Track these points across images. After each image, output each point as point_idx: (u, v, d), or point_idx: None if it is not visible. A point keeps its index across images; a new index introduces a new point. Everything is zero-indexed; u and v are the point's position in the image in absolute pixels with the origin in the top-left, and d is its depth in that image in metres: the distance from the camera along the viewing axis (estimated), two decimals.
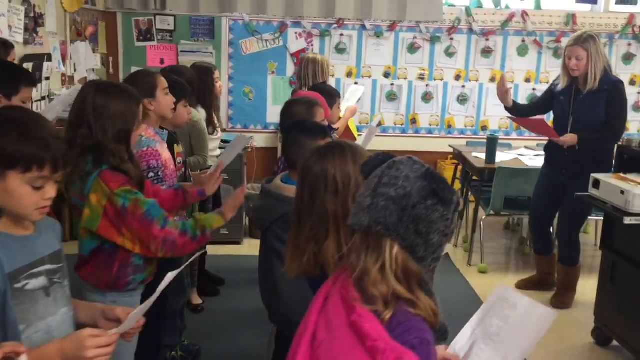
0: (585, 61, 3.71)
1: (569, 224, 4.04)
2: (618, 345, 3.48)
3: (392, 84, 6.53)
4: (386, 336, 1.19)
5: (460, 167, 5.35)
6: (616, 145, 3.54)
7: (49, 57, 4.53)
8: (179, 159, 2.90)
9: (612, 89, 3.76)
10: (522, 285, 4.28)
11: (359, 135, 6.21)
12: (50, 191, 1.35)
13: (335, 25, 6.33)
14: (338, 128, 3.69)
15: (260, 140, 6.46)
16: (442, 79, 6.55)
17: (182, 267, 1.59)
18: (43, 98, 4.35)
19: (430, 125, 6.66)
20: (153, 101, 2.55)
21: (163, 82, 2.61)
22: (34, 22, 4.29)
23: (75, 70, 5.11)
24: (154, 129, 2.55)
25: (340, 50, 6.42)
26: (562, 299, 4.10)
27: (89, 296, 2.03)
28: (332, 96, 3.49)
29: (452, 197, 1.27)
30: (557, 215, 4.17)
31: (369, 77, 6.50)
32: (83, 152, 1.93)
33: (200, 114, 3.62)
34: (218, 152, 3.92)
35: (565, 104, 3.89)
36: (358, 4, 6.21)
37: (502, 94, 4.01)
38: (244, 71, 6.39)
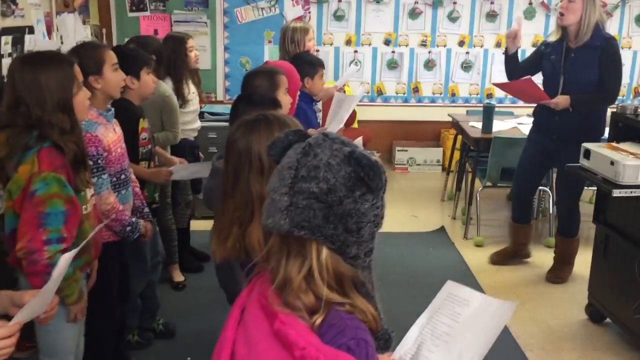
0: (579, 6, 3.46)
1: (567, 192, 3.86)
2: (612, 322, 3.34)
3: (393, 52, 6.32)
4: (317, 342, 1.04)
5: (460, 137, 5.16)
6: (610, 112, 3.34)
7: (31, 30, 4.42)
8: (144, 135, 2.78)
9: (605, 46, 3.53)
10: (496, 259, 4.15)
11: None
12: None
13: None
14: (320, 100, 3.53)
15: None
16: (445, 46, 6.32)
17: (78, 248, 1.49)
18: None
19: (434, 93, 6.45)
20: (99, 78, 2.36)
21: (111, 57, 2.43)
22: None
23: (62, 43, 4.99)
24: (96, 110, 2.38)
25: (338, 17, 6.21)
26: (559, 273, 3.95)
27: (22, 282, 1.95)
28: (314, 66, 3.32)
29: (381, 182, 1.09)
30: (541, 184, 4.04)
31: (369, 44, 6.29)
32: (25, 130, 1.84)
33: (168, 86, 3.49)
34: (196, 124, 3.80)
35: (556, 63, 3.66)
36: None
37: (511, 36, 3.75)
38: (240, 41, 6.22)
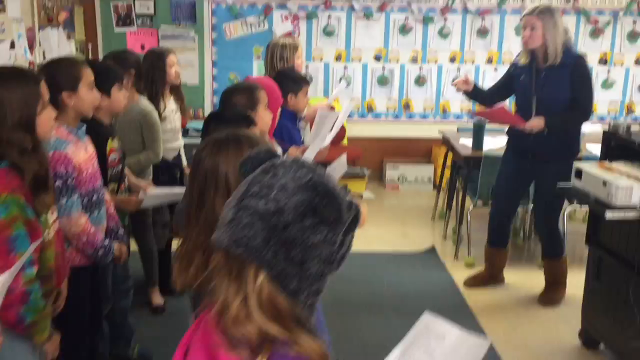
0: (540, 32, 3.47)
1: (546, 214, 3.80)
2: (606, 348, 3.22)
3: (384, 68, 6.25)
4: None
5: (451, 155, 5.07)
6: (602, 131, 3.26)
7: (12, 45, 4.33)
8: (113, 156, 2.66)
9: (575, 64, 3.52)
10: (471, 283, 4.03)
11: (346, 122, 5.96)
12: None
13: (323, 7, 6.05)
14: (305, 117, 3.43)
15: None
16: (436, 62, 6.25)
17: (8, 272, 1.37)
18: None
19: (425, 110, 6.37)
20: (73, 95, 2.26)
21: (88, 75, 2.33)
22: None
23: (44, 58, 4.89)
24: (67, 126, 2.28)
25: (328, 33, 6.14)
26: (551, 295, 3.84)
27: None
28: (298, 82, 3.23)
29: (339, 215, 0.99)
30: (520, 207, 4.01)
31: (359, 60, 6.22)
32: None
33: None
34: (176, 143, 3.67)
35: (527, 84, 3.63)
36: None
37: (460, 83, 3.79)
38: (229, 56, 6.14)
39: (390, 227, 5.10)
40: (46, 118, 1.84)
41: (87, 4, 5.91)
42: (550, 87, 3.54)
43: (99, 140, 2.52)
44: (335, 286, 3.51)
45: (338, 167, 2.93)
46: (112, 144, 2.65)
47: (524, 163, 3.73)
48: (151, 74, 3.48)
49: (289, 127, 3.15)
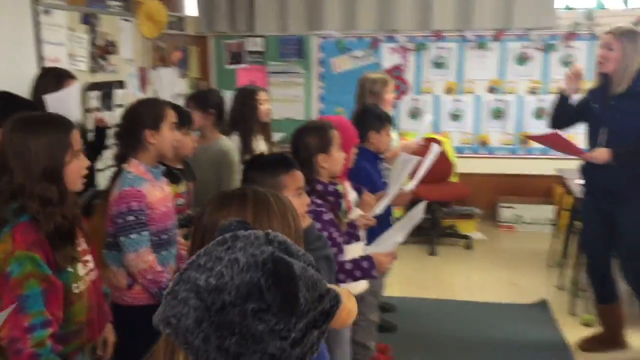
0: (617, 55, 3.08)
1: (631, 260, 3.30)
2: None
3: (499, 100, 5.84)
4: None
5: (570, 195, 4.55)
6: None
7: (121, 84, 4.55)
8: (180, 201, 2.62)
9: None
10: (587, 346, 3.49)
11: (456, 157, 5.63)
12: None
13: (433, 38, 5.80)
14: (385, 157, 3.21)
15: None
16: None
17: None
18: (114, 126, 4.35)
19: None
20: (156, 134, 2.29)
21: (171, 116, 2.35)
22: (102, 50, 4.31)
23: (157, 96, 5.10)
24: (145, 165, 2.29)
25: (438, 64, 5.87)
26: None
27: None
28: (381, 120, 3.03)
29: (292, 305, 0.80)
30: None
31: (471, 92, 5.87)
32: (7, 199, 1.70)
33: (233, 142, 3.34)
34: None
35: (598, 112, 3.22)
36: (457, 14, 5.65)
37: (573, 76, 3.37)
38: (336, 90, 6.07)
39: (498, 273, 4.67)
40: (76, 168, 1.77)
41: (201, 43, 6.15)
42: (621, 117, 3.14)
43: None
44: (429, 333, 3.23)
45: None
46: (177, 189, 2.61)
47: (602, 203, 3.33)
48: (242, 112, 3.46)
49: (367, 169, 2.95)
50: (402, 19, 5.72)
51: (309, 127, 2.45)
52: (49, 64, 3.60)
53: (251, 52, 6.14)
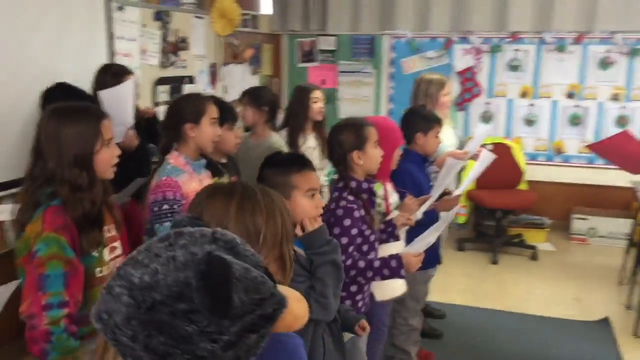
0: None
1: None
2: None
3: (577, 106, 5.57)
4: None
5: None
6: None
7: (191, 80, 4.71)
8: None
9: None
10: None
11: (527, 164, 5.42)
12: None
13: (509, 40, 5.61)
14: (434, 160, 3.14)
15: None
16: None
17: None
18: None
19: None
20: (195, 128, 2.36)
21: (212, 111, 2.41)
22: (173, 46, 4.49)
23: (226, 92, 5.25)
24: (185, 158, 2.37)
25: (513, 67, 5.67)
26: None
27: None
28: (428, 122, 2.97)
29: (223, 307, 0.78)
30: None
31: (548, 97, 5.63)
32: (42, 184, 1.81)
33: (282, 137, 3.38)
34: (322, 178, 3.61)
35: None
36: (536, 15, 5.45)
37: None
38: (405, 91, 5.93)
39: (563, 287, 4.46)
40: (106, 156, 1.85)
41: (274, 41, 6.25)
42: None
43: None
44: (478, 344, 3.10)
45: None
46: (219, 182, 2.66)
47: None
48: (295, 109, 3.50)
49: (412, 172, 2.89)
50: (477, 19, 5.57)
51: (345, 124, 2.44)
52: (120, 59, 3.79)
53: (323, 51, 6.18)
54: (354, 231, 2.17)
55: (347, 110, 6.04)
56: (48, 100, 2.64)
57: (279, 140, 3.31)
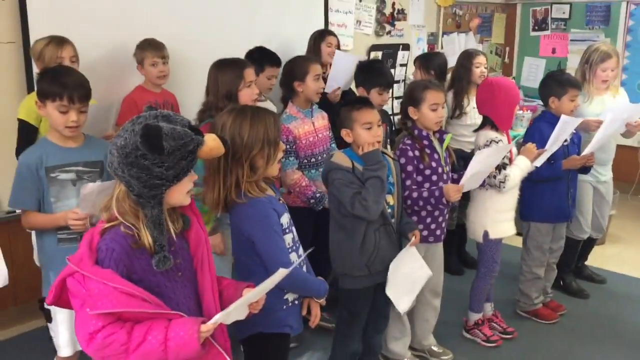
0: None
1: None
2: None
3: None
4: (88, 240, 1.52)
5: None
6: None
7: (405, 47, 5.33)
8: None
9: None
10: None
11: None
12: (72, 116, 2.16)
13: None
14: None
15: None
16: None
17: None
18: (397, 82, 5.16)
19: None
20: (302, 84, 3.04)
21: (315, 69, 3.05)
22: (389, 17, 5.15)
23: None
24: (297, 107, 3.06)
25: None
26: None
27: None
28: (562, 86, 3.12)
29: (160, 149, 1.45)
30: None
31: None
32: (204, 112, 2.70)
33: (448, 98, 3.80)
34: (472, 138, 3.94)
35: None
36: None
37: None
38: None
39: None
40: (246, 94, 2.65)
41: (509, 10, 6.43)
42: None
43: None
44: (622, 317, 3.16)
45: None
46: None
47: None
48: (460, 72, 3.90)
49: (542, 130, 3.11)
50: None
51: (409, 86, 2.93)
52: (335, 29, 4.62)
53: (555, 19, 6.16)
54: (409, 167, 2.64)
55: None
56: (249, 58, 3.57)
57: None
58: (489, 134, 2.93)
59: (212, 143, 1.58)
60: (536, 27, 6.33)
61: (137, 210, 1.53)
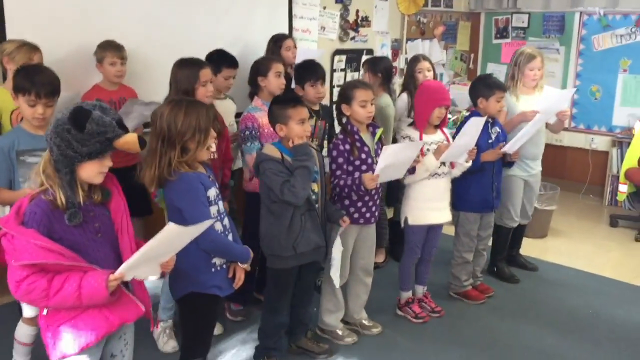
0: None
1: None
2: None
3: None
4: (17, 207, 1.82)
5: None
6: None
7: (369, 52, 5.67)
8: None
9: None
10: None
11: None
12: (39, 109, 2.51)
13: None
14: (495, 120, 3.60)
15: (601, 143, 6.01)
16: None
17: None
18: None
19: None
20: (265, 79, 3.40)
21: (277, 67, 3.41)
22: (353, 24, 5.50)
23: (405, 63, 6.06)
24: (262, 100, 3.39)
25: None
26: None
27: None
28: (489, 88, 3.47)
29: (78, 129, 1.78)
30: None
31: None
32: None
33: (402, 100, 4.17)
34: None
35: None
36: None
37: None
38: (593, 69, 6.04)
39: None
40: (202, 92, 2.93)
41: (474, 19, 6.79)
42: None
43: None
44: (551, 302, 3.51)
45: None
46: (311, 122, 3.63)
47: None
48: (406, 77, 4.28)
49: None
50: None
51: (342, 86, 3.30)
52: (298, 34, 4.96)
53: (515, 28, 6.52)
54: (340, 159, 2.98)
55: None
56: (209, 60, 3.89)
57: (387, 101, 4.08)
58: (408, 131, 3.28)
59: (129, 138, 1.88)
60: (498, 35, 6.69)
61: (55, 174, 1.84)
